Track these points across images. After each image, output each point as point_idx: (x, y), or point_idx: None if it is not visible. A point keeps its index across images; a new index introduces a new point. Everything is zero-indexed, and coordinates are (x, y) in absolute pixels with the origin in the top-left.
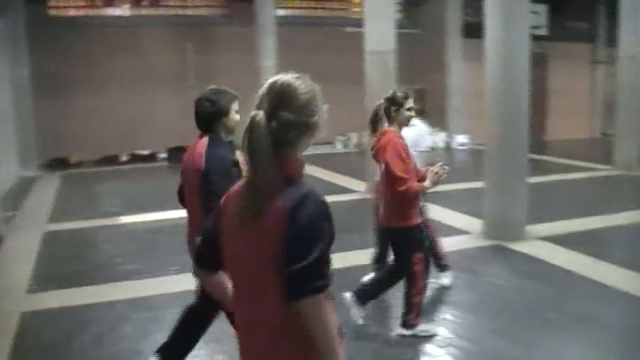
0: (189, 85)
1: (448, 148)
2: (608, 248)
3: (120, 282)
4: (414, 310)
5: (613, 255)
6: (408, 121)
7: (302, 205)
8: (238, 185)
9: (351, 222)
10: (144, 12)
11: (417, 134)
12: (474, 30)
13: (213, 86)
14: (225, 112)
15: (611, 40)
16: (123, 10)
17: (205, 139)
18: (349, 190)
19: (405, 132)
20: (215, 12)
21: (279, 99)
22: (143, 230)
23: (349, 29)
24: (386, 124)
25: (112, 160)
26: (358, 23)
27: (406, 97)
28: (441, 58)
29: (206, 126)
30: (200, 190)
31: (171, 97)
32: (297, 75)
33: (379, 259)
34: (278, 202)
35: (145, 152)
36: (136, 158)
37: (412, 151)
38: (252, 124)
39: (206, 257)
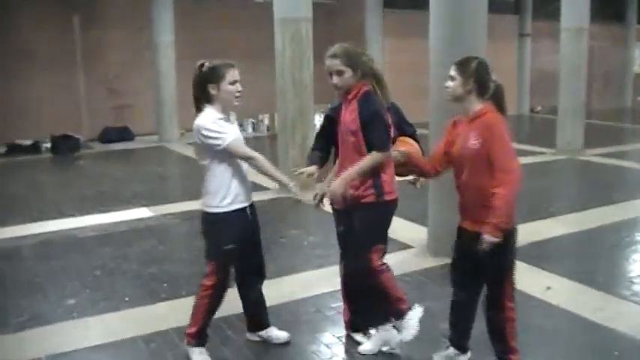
0: (76, 64)
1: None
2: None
3: None
4: None
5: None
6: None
7: None
8: None
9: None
10: None
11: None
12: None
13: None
14: None
15: (537, 12)
16: None
17: None
18: (261, 188)
19: None
20: None
21: None
22: None
23: None
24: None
25: None
26: None
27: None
28: (359, 31)
29: None
30: None
31: (56, 79)
32: None
33: None
34: None
35: (27, 142)
36: (15, 149)
37: None
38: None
39: None
